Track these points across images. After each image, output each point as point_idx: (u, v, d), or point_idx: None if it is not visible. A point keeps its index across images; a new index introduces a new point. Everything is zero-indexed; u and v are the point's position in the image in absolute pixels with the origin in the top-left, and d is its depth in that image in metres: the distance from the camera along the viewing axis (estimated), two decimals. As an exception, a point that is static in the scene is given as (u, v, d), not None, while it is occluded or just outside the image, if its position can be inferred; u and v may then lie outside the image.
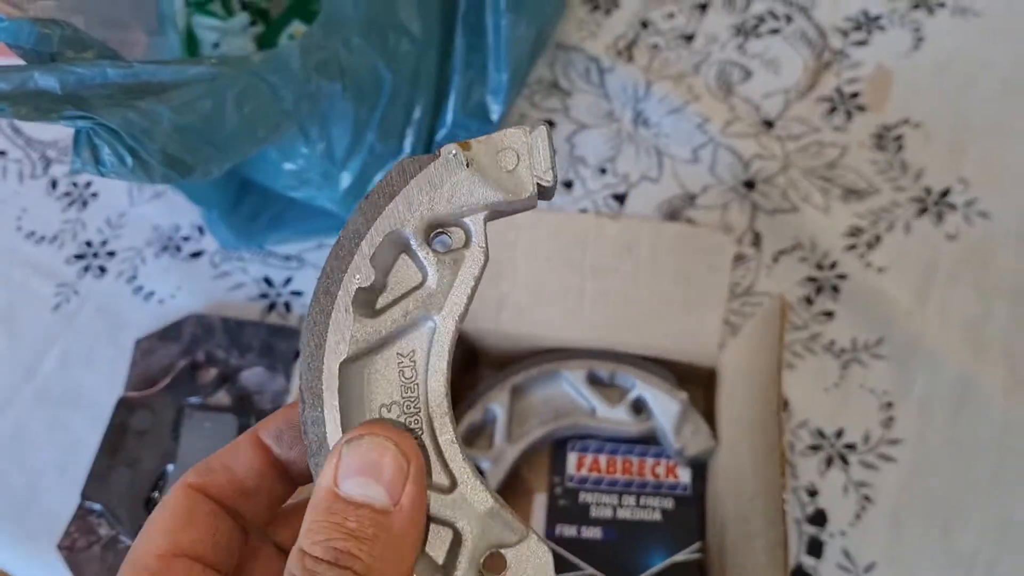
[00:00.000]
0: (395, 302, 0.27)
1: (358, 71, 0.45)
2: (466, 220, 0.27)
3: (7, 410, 0.57)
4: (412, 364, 0.27)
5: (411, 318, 0.27)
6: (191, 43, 0.60)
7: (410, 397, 0.27)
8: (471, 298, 0.27)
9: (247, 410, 0.56)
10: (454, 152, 0.27)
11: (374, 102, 0.47)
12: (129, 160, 0.39)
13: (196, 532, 0.27)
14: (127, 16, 0.47)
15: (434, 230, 0.28)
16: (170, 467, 0.54)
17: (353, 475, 0.25)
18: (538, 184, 0.28)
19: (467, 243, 0.28)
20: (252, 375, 0.58)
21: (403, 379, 0.27)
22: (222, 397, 0.57)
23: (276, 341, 0.58)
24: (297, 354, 0.57)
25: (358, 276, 0.27)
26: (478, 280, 0.27)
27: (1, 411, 0.57)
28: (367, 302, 0.27)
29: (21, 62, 0.45)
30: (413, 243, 0.27)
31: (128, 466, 0.54)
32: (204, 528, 0.28)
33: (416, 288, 0.27)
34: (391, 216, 0.27)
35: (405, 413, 0.27)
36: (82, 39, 0.42)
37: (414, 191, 0.27)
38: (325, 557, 0.24)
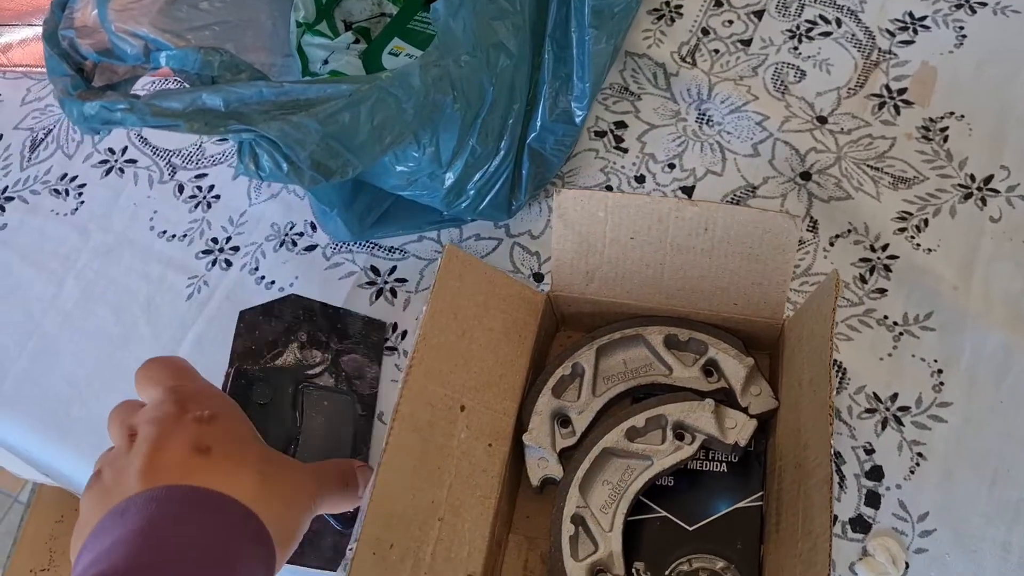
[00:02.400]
0: None
1: (466, 84, 0.52)
2: None
3: (151, 387, 0.66)
4: None
5: None
6: (302, 60, 0.68)
7: None
8: None
9: (351, 393, 0.62)
10: None
11: (477, 110, 0.55)
12: (285, 166, 0.47)
13: None
14: (263, 42, 0.55)
15: None
16: (294, 443, 0.61)
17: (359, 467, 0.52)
18: None
19: None
20: (351, 360, 0.64)
21: None
22: (327, 378, 0.63)
23: (370, 331, 0.65)
24: (385, 342, 0.65)
25: None
26: None
27: (146, 388, 0.66)
28: None
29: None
30: None
31: (254, 438, 0.61)
32: None
33: None
34: None
35: None
36: (236, 63, 0.49)
37: None
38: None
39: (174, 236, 0.71)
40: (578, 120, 0.61)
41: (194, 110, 0.47)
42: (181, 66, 0.48)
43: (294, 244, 0.69)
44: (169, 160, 0.75)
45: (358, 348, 0.63)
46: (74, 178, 0.75)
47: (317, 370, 0.63)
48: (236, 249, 0.70)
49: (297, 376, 0.62)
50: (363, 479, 0.51)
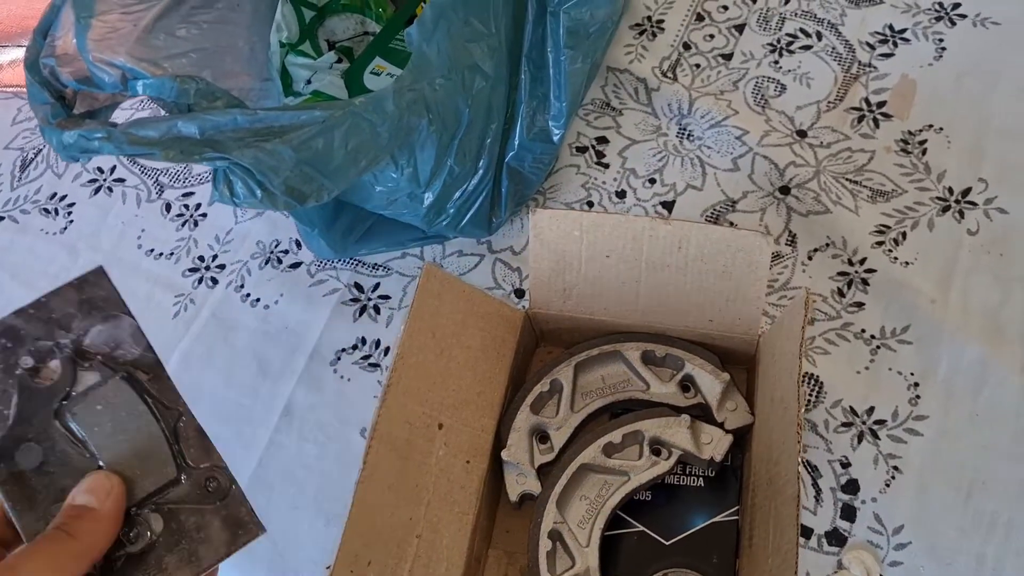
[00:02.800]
0: None
1: (441, 107, 0.53)
2: None
3: (139, 404, 0.66)
4: None
5: None
6: (286, 79, 0.69)
7: None
8: None
9: (119, 369, 0.44)
10: None
11: (454, 132, 0.55)
12: (259, 192, 0.48)
13: None
14: (241, 67, 0.56)
15: None
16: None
17: (82, 493, 0.39)
18: None
19: None
20: (96, 335, 0.44)
21: None
22: (89, 378, 0.44)
23: (84, 289, 0.39)
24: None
25: None
26: None
27: (134, 405, 0.66)
28: None
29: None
30: None
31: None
32: None
33: None
34: None
35: None
36: (212, 91, 0.50)
37: None
38: (55, 523, 0.38)
39: (161, 254, 0.72)
40: (556, 138, 0.61)
41: (170, 138, 0.47)
42: (157, 94, 0.49)
43: (279, 261, 0.70)
44: (157, 179, 0.76)
45: (90, 318, 0.43)
46: (63, 197, 0.76)
47: (68, 382, 0.43)
48: (222, 267, 0.71)
49: (51, 409, 0.43)
50: (98, 495, 0.40)
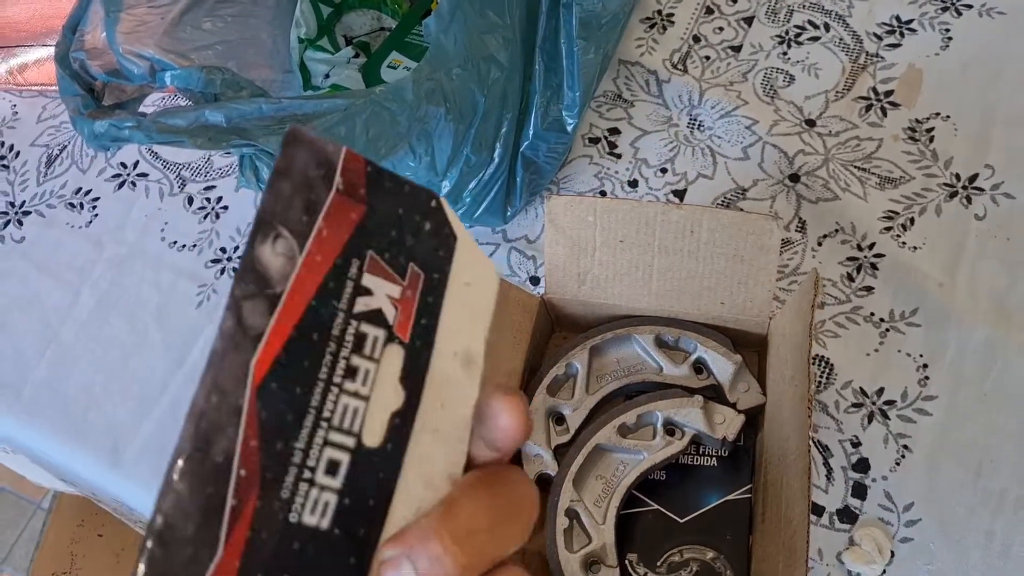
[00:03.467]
0: None
1: (458, 96, 0.54)
2: None
3: (164, 392, 0.68)
4: None
5: None
6: (304, 75, 0.71)
7: None
8: None
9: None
10: None
11: (470, 121, 0.57)
12: (284, 177, 0.49)
13: None
14: (264, 59, 0.57)
15: None
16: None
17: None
18: None
19: None
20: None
21: None
22: None
23: None
24: None
25: None
26: None
27: (160, 393, 0.68)
28: None
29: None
30: None
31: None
32: None
33: None
34: None
35: None
36: (238, 81, 0.52)
37: None
38: None
39: (184, 246, 0.74)
40: (569, 128, 0.63)
41: (197, 127, 0.49)
42: (185, 85, 0.51)
43: (299, 252, 0.72)
44: (179, 173, 0.77)
45: None
46: (88, 192, 0.78)
47: None
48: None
49: None
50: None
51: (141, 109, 0.56)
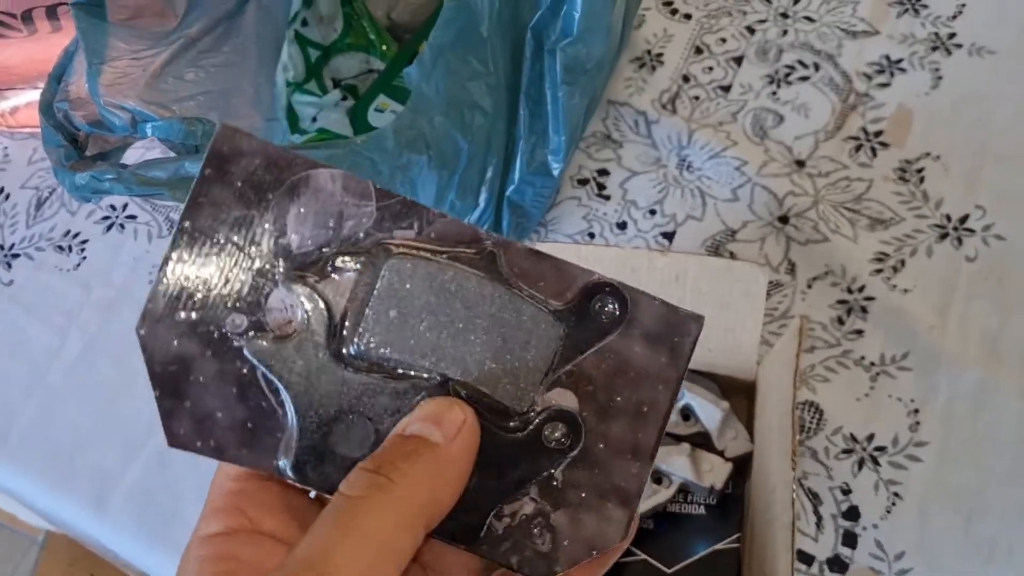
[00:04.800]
0: None
1: (441, 144, 0.54)
2: None
3: (151, 437, 0.68)
4: None
5: None
6: (292, 117, 0.71)
7: None
8: None
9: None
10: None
11: (454, 167, 0.57)
12: (263, 229, 0.49)
13: None
14: (247, 108, 0.57)
15: None
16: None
17: (417, 420, 0.27)
18: None
19: None
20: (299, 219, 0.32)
21: None
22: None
23: None
24: None
25: None
26: None
27: (146, 437, 0.68)
28: None
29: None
30: None
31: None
32: None
33: None
34: None
35: None
36: (219, 131, 0.52)
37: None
38: (368, 467, 0.26)
39: (173, 289, 0.74)
40: (555, 172, 0.63)
41: (178, 178, 0.49)
42: (166, 136, 0.51)
43: (287, 295, 0.72)
44: (168, 215, 0.77)
45: (271, 206, 0.29)
46: (77, 234, 0.78)
47: (322, 309, 0.29)
48: (232, 301, 0.72)
49: (328, 357, 0.30)
50: (444, 427, 0.28)
51: (127, 158, 0.56)
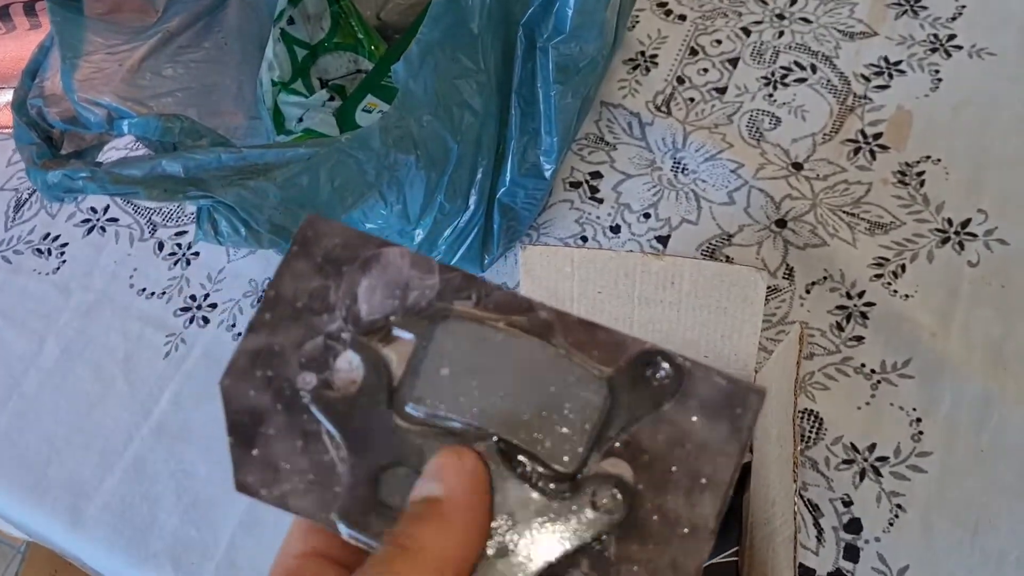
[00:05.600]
0: None
1: (429, 144, 0.52)
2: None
3: (129, 445, 0.66)
4: None
5: None
6: (278, 118, 0.69)
7: None
8: None
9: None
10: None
11: (443, 168, 0.55)
12: (243, 230, 0.47)
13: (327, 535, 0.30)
14: (229, 105, 0.56)
15: None
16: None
17: (422, 480, 0.28)
18: None
19: None
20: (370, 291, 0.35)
21: None
22: None
23: None
24: None
25: None
26: None
27: (124, 446, 0.66)
28: None
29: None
30: None
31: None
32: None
33: None
34: None
35: None
36: (197, 129, 0.50)
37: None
38: (386, 539, 0.27)
39: (153, 293, 0.72)
40: (547, 174, 0.61)
41: (153, 177, 0.47)
42: (143, 133, 0.49)
43: (271, 300, 0.70)
44: (150, 218, 0.75)
45: (344, 278, 0.32)
46: (56, 237, 0.76)
47: (379, 368, 0.32)
48: (214, 306, 0.70)
49: (383, 413, 0.31)
50: (446, 478, 0.28)
51: (105, 158, 0.54)
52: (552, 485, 0.28)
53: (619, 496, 0.27)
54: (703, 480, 0.27)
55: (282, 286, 0.31)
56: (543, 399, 0.28)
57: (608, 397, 0.28)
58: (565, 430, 0.28)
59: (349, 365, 0.30)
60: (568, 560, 0.27)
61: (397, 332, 0.30)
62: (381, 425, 0.29)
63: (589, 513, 0.27)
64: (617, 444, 0.28)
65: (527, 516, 0.28)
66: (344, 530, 0.28)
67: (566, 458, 0.28)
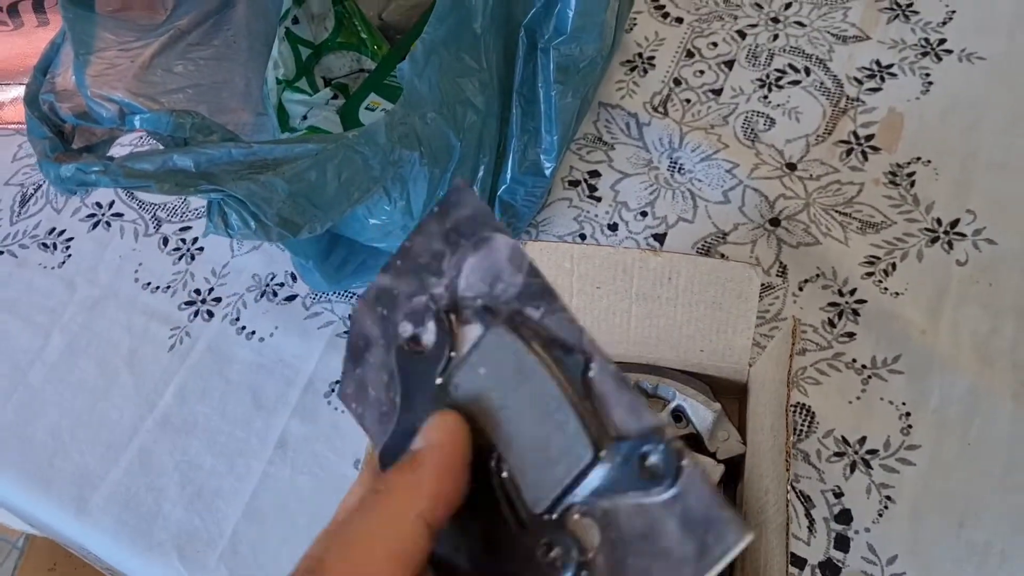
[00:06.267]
0: None
1: (433, 141, 0.54)
2: None
3: (134, 437, 0.67)
4: None
5: None
6: (282, 116, 0.70)
7: None
8: None
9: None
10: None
11: (446, 165, 0.56)
12: (252, 224, 0.48)
13: None
14: (237, 102, 0.57)
15: None
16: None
17: (413, 442, 0.31)
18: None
19: None
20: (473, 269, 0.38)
21: None
22: None
23: None
24: None
25: None
26: None
27: (128, 439, 0.67)
28: None
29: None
30: None
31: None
32: None
33: None
34: None
35: None
36: (208, 125, 0.51)
37: None
38: (367, 482, 0.32)
39: (158, 288, 0.73)
40: (547, 172, 0.62)
41: (165, 171, 0.48)
42: (154, 128, 0.50)
43: (275, 294, 0.71)
44: (154, 214, 0.76)
45: (460, 249, 0.33)
46: (62, 232, 0.77)
47: (445, 344, 0.34)
48: (218, 300, 0.71)
49: (433, 384, 0.34)
50: (427, 435, 0.31)
51: (112, 153, 0.56)
52: (520, 515, 0.29)
53: (574, 555, 0.27)
54: None
55: (416, 240, 0.33)
56: (539, 435, 0.29)
57: (594, 459, 0.28)
58: (547, 477, 0.28)
59: (432, 329, 0.33)
60: None
61: (474, 315, 0.32)
62: (430, 391, 0.32)
63: (538, 555, 0.28)
64: (598, 509, 0.28)
65: (491, 537, 0.30)
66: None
67: (537, 501, 0.28)
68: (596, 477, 0.28)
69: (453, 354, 0.32)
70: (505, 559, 0.29)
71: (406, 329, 0.33)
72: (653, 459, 0.27)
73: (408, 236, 0.33)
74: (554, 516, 0.28)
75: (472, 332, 0.32)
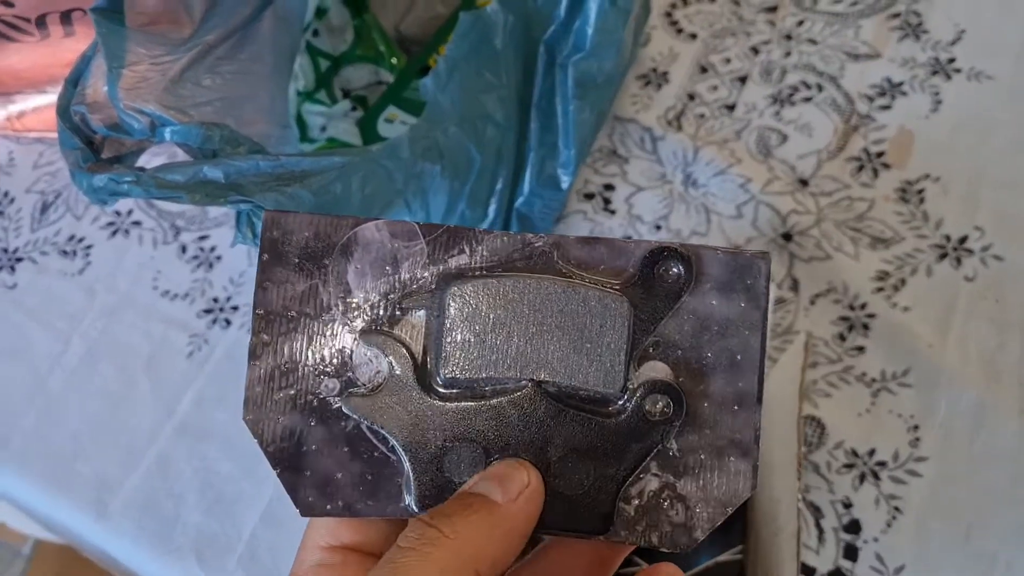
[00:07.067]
0: None
1: (454, 154, 0.55)
2: None
3: (152, 444, 0.68)
4: None
5: None
6: (301, 127, 0.71)
7: None
8: None
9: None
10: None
11: (465, 178, 0.57)
12: (280, 234, 0.49)
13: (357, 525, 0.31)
14: (262, 115, 0.58)
15: None
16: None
17: (481, 479, 0.29)
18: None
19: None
20: None
21: None
22: None
23: None
24: None
25: None
26: None
27: (148, 445, 0.68)
28: None
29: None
30: None
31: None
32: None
33: None
34: None
35: None
36: (236, 137, 0.52)
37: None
38: (424, 518, 0.27)
39: (176, 296, 0.74)
40: (564, 185, 0.63)
41: (196, 182, 0.49)
42: (184, 140, 0.51)
43: (293, 303, 0.72)
44: (173, 222, 0.78)
45: None
46: (82, 239, 0.78)
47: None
48: (236, 308, 0.72)
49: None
50: (506, 487, 0.29)
51: (139, 163, 0.57)
52: (605, 409, 0.29)
53: (669, 400, 0.29)
54: (738, 356, 0.29)
55: (268, 301, 0.30)
56: (571, 330, 0.29)
57: (630, 307, 0.29)
58: (605, 355, 0.29)
59: (366, 359, 0.30)
60: (636, 466, 0.29)
61: (403, 309, 0.30)
62: (421, 407, 0.29)
63: (647, 423, 0.29)
64: (650, 349, 0.29)
65: (590, 444, 0.29)
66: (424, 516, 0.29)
67: (609, 379, 0.29)
68: (640, 321, 0.29)
69: (417, 353, 0.29)
70: (624, 452, 0.29)
71: (331, 386, 0.30)
72: (673, 270, 0.29)
73: (254, 305, 0.30)
74: (630, 384, 0.29)
75: (417, 323, 0.30)
